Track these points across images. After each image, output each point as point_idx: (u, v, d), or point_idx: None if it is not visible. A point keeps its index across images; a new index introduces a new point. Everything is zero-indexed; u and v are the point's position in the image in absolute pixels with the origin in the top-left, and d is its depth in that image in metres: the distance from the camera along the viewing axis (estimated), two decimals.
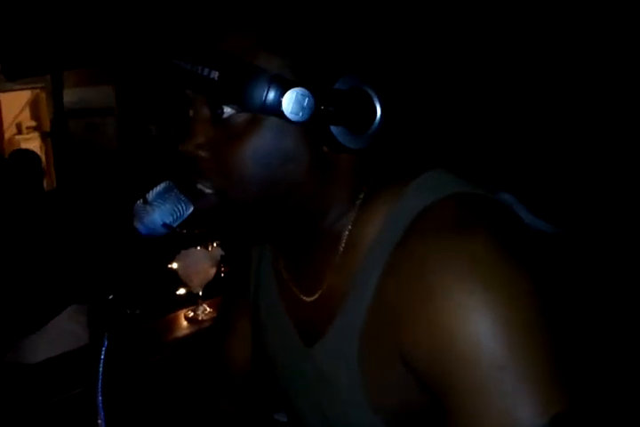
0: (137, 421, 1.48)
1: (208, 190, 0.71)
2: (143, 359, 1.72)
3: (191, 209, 0.81)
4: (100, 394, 0.82)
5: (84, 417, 0.88)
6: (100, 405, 0.82)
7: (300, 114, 0.64)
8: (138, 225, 0.81)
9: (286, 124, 0.64)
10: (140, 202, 0.81)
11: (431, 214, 0.64)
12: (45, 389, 1.56)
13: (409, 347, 0.61)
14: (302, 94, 0.64)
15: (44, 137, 4.58)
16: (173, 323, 1.95)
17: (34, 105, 4.85)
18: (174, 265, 1.87)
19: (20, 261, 2.42)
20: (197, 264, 1.85)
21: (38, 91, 4.39)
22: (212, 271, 1.89)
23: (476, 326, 0.56)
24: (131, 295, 0.92)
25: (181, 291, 2.02)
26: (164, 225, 0.80)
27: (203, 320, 1.92)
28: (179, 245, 1.86)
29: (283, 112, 0.63)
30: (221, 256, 1.89)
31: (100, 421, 0.82)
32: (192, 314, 1.96)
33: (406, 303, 0.61)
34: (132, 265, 0.88)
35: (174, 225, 0.81)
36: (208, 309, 1.98)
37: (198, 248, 1.85)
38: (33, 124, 5.18)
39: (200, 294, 1.94)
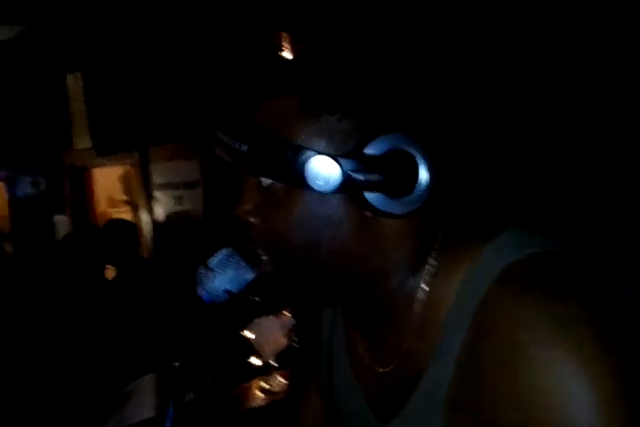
0: None
1: (264, 256, 0.74)
2: None
3: (252, 275, 0.83)
4: None
5: None
6: None
7: (326, 184, 0.65)
8: (200, 292, 0.84)
9: None
10: (202, 268, 0.85)
11: (516, 274, 0.63)
12: None
13: (502, 416, 0.58)
14: (326, 164, 0.64)
15: (135, 210, 4.84)
16: (246, 393, 1.96)
17: (125, 180, 5.18)
18: (248, 333, 1.91)
19: (100, 327, 2.52)
20: (269, 333, 1.88)
21: (129, 166, 4.69)
22: (284, 341, 1.91)
23: (572, 397, 0.55)
24: (199, 363, 0.93)
25: (255, 360, 2.04)
26: (226, 291, 0.83)
27: (275, 392, 1.92)
28: (253, 313, 1.90)
29: (308, 183, 0.64)
30: (293, 325, 1.90)
31: None
32: (265, 384, 1.96)
33: (496, 369, 0.59)
34: (200, 332, 0.90)
35: (235, 292, 0.84)
36: (281, 379, 1.98)
37: (270, 317, 1.87)
38: (124, 198, 5.49)
39: (273, 363, 1.95)
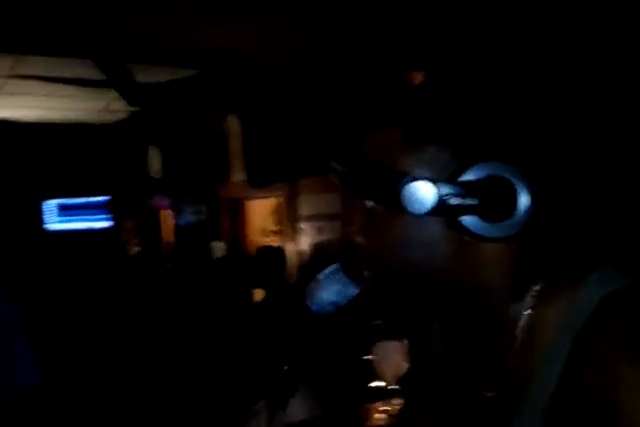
0: None
1: (367, 273, 0.80)
2: None
3: (356, 290, 0.91)
4: None
5: None
6: None
7: (422, 207, 0.68)
8: (309, 303, 0.93)
9: None
10: (312, 282, 0.94)
11: (614, 306, 0.64)
12: None
13: None
14: (422, 189, 0.68)
15: (283, 240, 5.09)
16: (367, 414, 2.00)
17: (276, 211, 5.48)
18: (370, 357, 1.96)
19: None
20: (390, 357, 1.91)
21: (280, 198, 4.98)
22: (404, 365, 1.93)
23: None
24: (310, 371, 1.00)
25: (377, 383, 2.08)
26: (332, 304, 0.92)
27: (394, 414, 1.94)
28: (375, 337, 1.95)
29: (405, 206, 0.68)
30: (409, 349, 1.92)
31: None
32: (384, 407, 1.99)
33: (593, 395, 0.61)
34: (309, 340, 0.97)
35: (341, 304, 0.92)
36: (400, 402, 1.99)
37: (392, 341, 1.91)
38: (274, 228, 5.77)
39: (393, 386, 1.98)
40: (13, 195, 6.32)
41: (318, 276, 0.94)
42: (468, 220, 0.68)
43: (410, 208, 0.68)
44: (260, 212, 5.65)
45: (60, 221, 6.90)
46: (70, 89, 5.07)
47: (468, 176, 0.68)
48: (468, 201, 0.67)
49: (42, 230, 6.74)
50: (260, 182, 4.39)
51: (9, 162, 6.47)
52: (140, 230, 5.37)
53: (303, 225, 4.71)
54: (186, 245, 5.78)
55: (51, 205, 6.87)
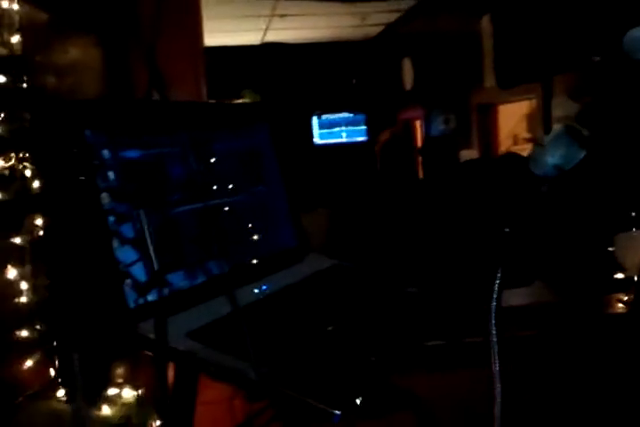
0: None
1: (592, 135, 0.80)
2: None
3: (582, 154, 0.90)
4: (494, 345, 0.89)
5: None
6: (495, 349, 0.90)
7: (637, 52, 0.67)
8: (532, 166, 0.95)
9: None
10: (536, 146, 0.95)
11: None
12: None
13: None
14: None
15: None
16: (605, 304, 1.95)
17: (528, 116, 5.20)
18: (612, 248, 1.88)
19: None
20: (633, 248, 1.81)
21: (533, 101, 4.70)
22: None
23: None
24: (526, 233, 1.00)
25: (618, 274, 1.99)
26: (555, 167, 0.92)
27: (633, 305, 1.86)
28: (619, 228, 1.85)
29: (626, 53, 0.69)
30: None
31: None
32: (626, 298, 1.91)
33: None
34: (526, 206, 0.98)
35: (566, 168, 0.92)
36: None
37: (635, 232, 1.80)
38: (527, 135, 5.52)
39: (635, 277, 1.88)
40: (288, 111, 6.92)
41: (544, 140, 0.95)
42: None
43: (633, 54, 0.67)
44: (512, 117, 5.41)
45: (324, 136, 7.45)
46: (331, 7, 5.31)
47: None
48: None
49: (311, 143, 7.36)
50: (510, 83, 4.19)
51: (283, 82, 7.08)
52: (395, 142, 5.56)
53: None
54: (435, 155, 5.84)
55: (317, 121, 7.41)
